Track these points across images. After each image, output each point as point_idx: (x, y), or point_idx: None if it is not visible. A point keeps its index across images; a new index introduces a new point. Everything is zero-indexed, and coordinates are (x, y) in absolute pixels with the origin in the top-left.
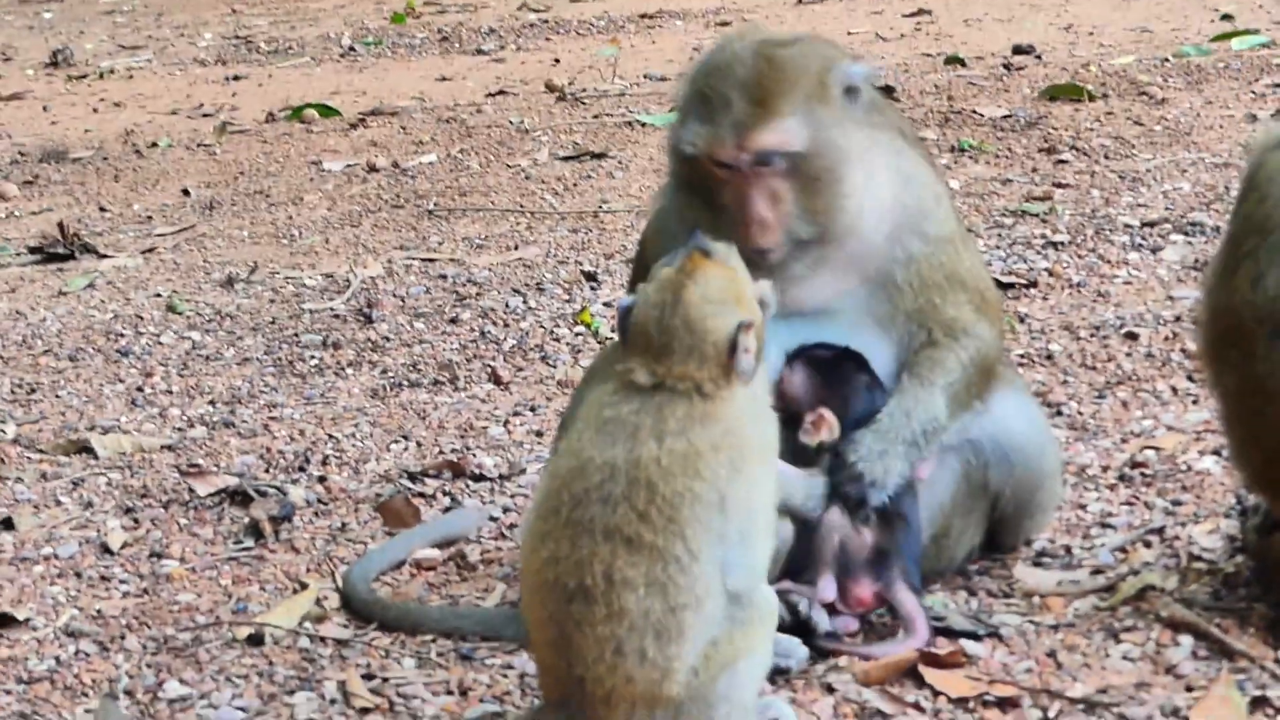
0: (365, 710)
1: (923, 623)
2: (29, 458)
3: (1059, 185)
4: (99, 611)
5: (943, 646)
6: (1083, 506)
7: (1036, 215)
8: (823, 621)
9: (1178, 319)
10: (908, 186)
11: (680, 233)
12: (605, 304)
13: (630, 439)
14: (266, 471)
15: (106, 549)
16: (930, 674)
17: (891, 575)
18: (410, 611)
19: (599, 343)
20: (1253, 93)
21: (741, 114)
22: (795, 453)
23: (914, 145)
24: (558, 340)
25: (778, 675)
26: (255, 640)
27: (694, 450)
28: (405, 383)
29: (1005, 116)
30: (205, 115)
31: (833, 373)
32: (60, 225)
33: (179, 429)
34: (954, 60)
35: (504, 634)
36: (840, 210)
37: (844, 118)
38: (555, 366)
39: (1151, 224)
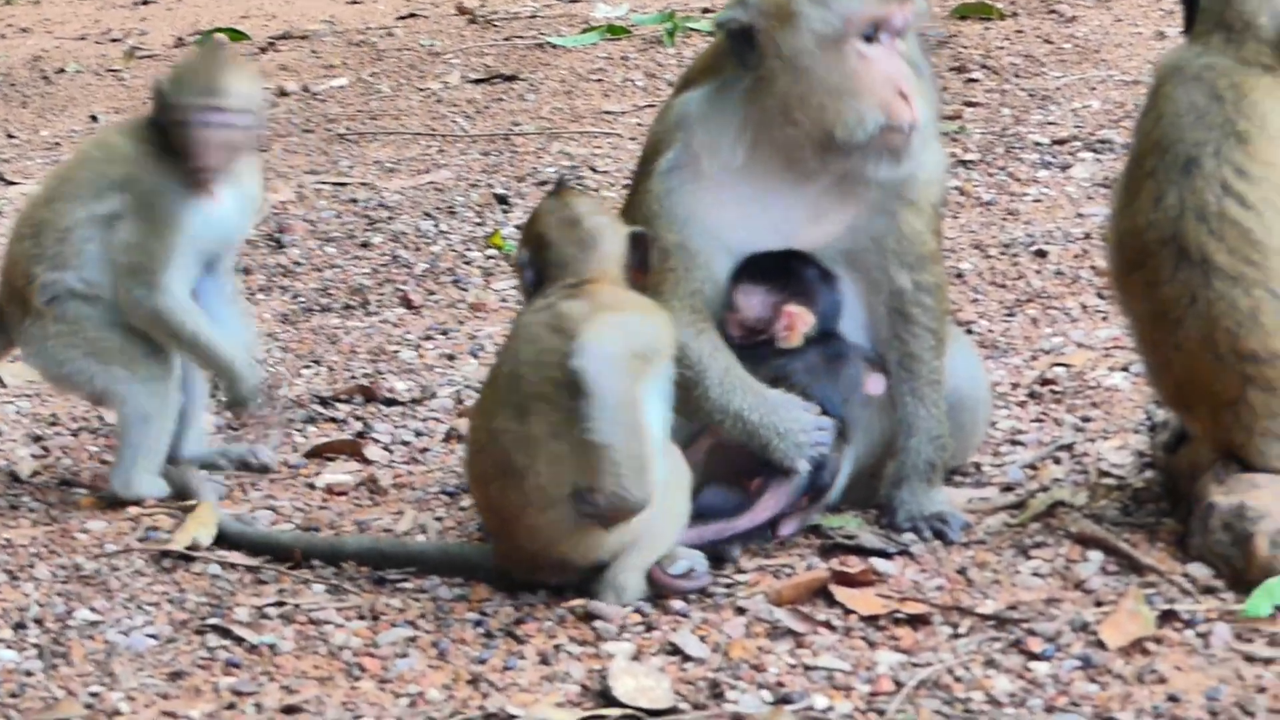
0: (278, 636)
1: (755, 518)
2: None
3: (969, 104)
4: (8, 540)
5: (853, 565)
6: (993, 424)
7: (947, 134)
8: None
9: (1087, 236)
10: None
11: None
12: (517, 227)
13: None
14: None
15: (15, 477)
16: (841, 592)
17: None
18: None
19: (511, 265)
20: (1161, 9)
21: None
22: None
23: None
24: (469, 264)
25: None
26: (166, 568)
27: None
28: (316, 307)
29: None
30: (114, 40)
31: (782, 276)
32: None
33: None
34: None
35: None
36: (928, 99)
37: None
38: (467, 290)
39: (1061, 142)
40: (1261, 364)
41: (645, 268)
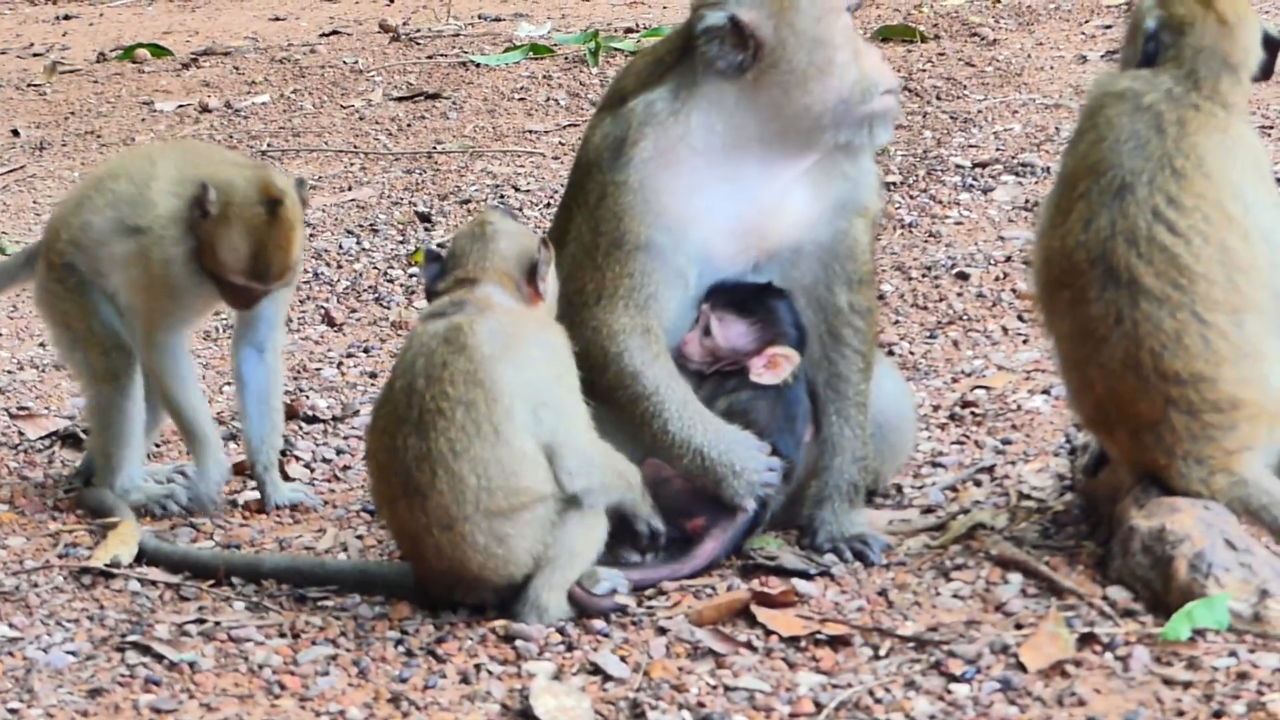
0: (198, 654)
1: (696, 563)
2: None
3: None
4: None
5: (774, 586)
6: (914, 446)
7: None
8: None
9: (1008, 259)
10: None
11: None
12: (439, 245)
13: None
14: None
15: None
16: (762, 613)
17: (720, 522)
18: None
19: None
20: (1083, 34)
21: None
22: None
23: None
24: (391, 282)
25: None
26: (86, 584)
27: None
28: None
29: None
30: (35, 55)
31: (760, 308)
32: None
33: (9, 371)
34: None
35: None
36: None
37: None
38: (389, 308)
39: (983, 165)
40: (1184, 386)
41: (535, 283)
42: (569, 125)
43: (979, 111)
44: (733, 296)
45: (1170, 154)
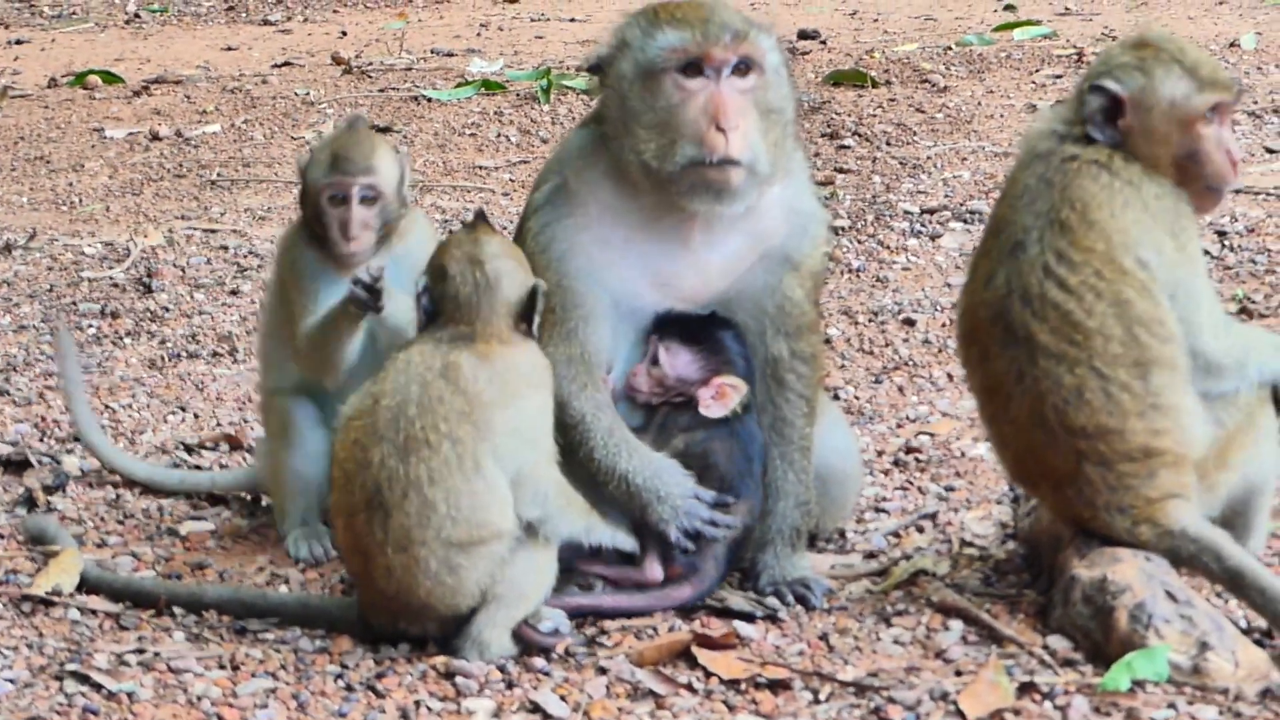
0: (137, 684)
1: (666, 601)
2: None
3: (841, 170)
4: None
5: (716, 628)
6: (857, 499)
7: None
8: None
9: (955, 306)
10: (804, 179)
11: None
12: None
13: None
14: (41, 440)
15: None
16: (703, 655)
17: (700, 572)
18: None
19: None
20: (1033, 83)
21: (731, 19)
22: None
23: None
24: None
25: (553, 652)
26: (26, 612)
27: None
28: (184, 354)
29: None
30: None
31: (708, 338)
32: None
33: None
34: None
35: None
36: (784, 150)
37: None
38: None
39: (931, 211)
40: (1092, 439)
41: (530, 321)
42: (519, 162)
43: (928, 158)
44: (680, 326)
45: (1056, 206)
